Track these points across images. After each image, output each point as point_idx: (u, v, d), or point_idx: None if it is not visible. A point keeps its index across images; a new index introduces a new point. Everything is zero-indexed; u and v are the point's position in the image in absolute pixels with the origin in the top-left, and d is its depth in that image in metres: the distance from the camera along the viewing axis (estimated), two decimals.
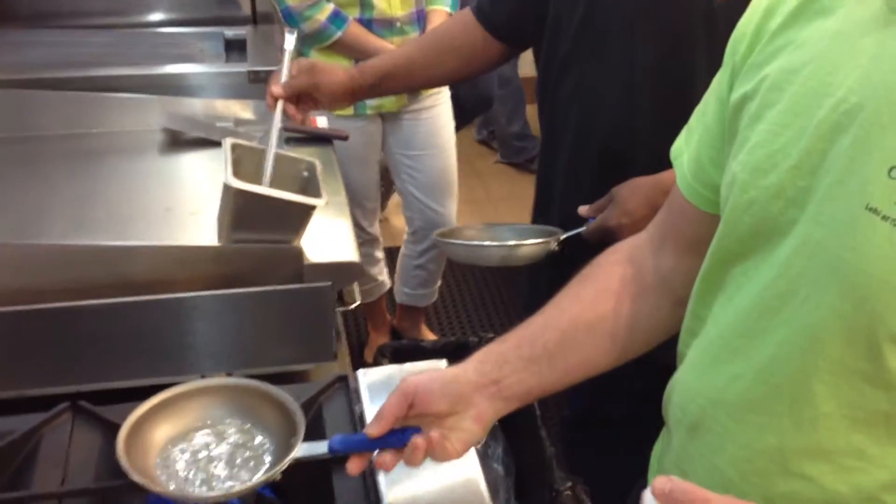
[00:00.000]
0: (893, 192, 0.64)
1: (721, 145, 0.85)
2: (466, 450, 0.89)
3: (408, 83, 1.70)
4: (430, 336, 2.84)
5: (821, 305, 0.69)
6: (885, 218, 0.64)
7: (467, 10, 1.56)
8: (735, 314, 0.79)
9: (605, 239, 1.41)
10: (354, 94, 1.55)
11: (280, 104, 1.37)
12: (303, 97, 1.46)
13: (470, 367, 0.91)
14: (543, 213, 1.63)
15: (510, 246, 1.50)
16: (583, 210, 1.45)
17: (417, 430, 0.88)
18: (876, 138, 0.65)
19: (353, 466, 0.87)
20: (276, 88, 1.39)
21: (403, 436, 0.88)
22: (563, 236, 1.47)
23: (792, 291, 0.72)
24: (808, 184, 0.70)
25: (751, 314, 0.77)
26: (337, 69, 1.52)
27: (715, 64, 0.89)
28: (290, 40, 1.41)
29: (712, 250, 0.83)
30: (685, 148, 0.92)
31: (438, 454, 0.87)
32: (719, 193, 0.85)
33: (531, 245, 1.48)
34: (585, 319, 0.94)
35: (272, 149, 1.20)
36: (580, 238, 1.45)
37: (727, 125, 0.83)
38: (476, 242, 1.54)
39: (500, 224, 1.70)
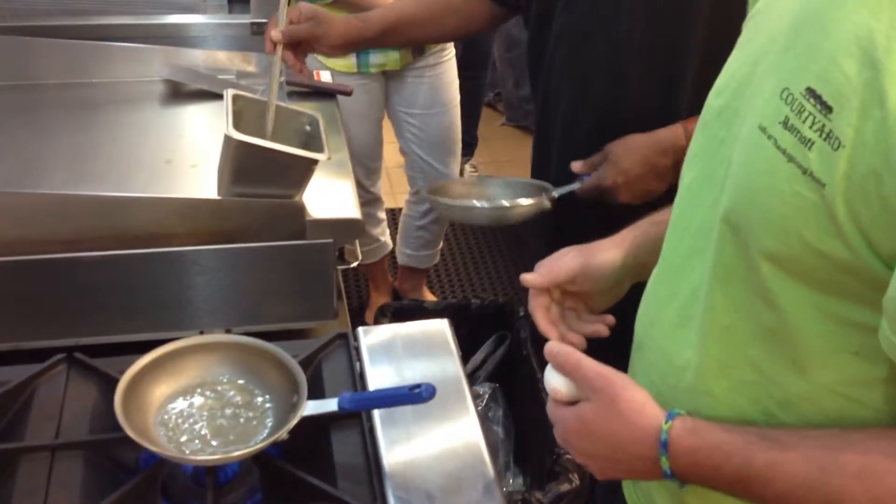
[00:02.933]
0: (779, 113, 0.66)
1: None
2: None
3: (409, 38, 1.70)
4: (431, 298, 2.83)
5: (718, 214, 0.73)
6: (769, 137, 0.67)
7: None
8: (681, 233, 0.82)
9: (599, 198, 1.40)
10: (355, 45, 1.53)
11: (279, 50, 1.34)
12: (301, 44, 1.43)
13: (625, 252, 0.95)
14: (541, 176, 1.62)
15: (502, 206, 1.47)
16: (576, 166, 1.43)
17: (431, 386, 0.88)
18: (779, 60, 0.69)
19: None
20: (274, 34, 1.35)
21: (416, 393, 0.87)
22: (556, 193, 1.45)
23: (708, 204, 0.76)
24: (738, 105, 0.74)
25: (694, 234, 0.79)
26: (337, 20, 1.49)
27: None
28: None
29: (685, 161, 0.86)
30: None
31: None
32: None
33: (523, 205, 1.46)
34: None
35: (273, 96, 1.18)
36: (573, 195, 1.43)
37: None
38: (468, 203, 1.51)
39: (493, 178, 1.68)
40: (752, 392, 0.74)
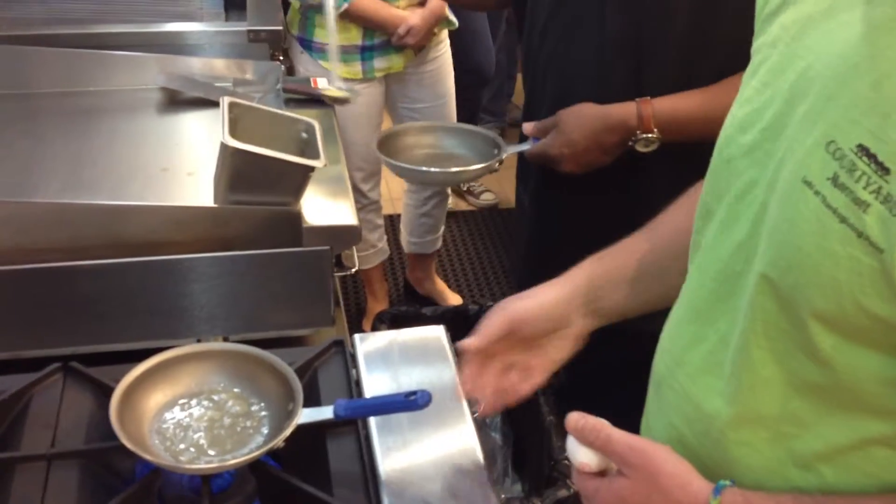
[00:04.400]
0: (827, 168, 0.62)
1: None
2: (557, 367, 0.94)
3: None
4: (442, 285, 2.86)
5: (759, 270, 0.69)
6: (816, 193, 0.63)
7: None
8: (705, 275, 0.79)
9: (545, 164, 1.41)
10: None
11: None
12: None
13: (568, 289, 0.93)
14: (524, 178, 1.64)
15: (453, 172, 1.50)
16: (527, 128, 1.45)
17: (427, 393, 0.88)
18: (821, 110, 0.64)
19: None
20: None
21: (412, 400, 0.87)
22: (505, 154, 1.46)
23: (744, 256, 0.72)
24: (773, 147, 0.69)
25: (717, 276, 0.76)
26: None
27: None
28: None
29: (698, 205, 0.83)
30: None
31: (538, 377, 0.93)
32: None
33: (473, 170, 1.48)
34: (680, 244, 0.92)
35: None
36: (523, 155, 1.46)
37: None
38: (420, 168, 1.52)
39: (441, 126, 1.68)
40: (793, 444, 0.71)
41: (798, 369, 0.68)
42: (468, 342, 0.91)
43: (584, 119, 1.38)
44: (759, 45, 0.77)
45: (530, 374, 0.96)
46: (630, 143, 1.37)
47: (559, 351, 0.95)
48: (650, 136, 1.35)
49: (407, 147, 1.58)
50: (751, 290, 0.70)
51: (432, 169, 1.52)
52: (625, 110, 1.36)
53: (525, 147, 1.44)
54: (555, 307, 0.92)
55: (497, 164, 1.46)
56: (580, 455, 0.75)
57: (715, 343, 0.76)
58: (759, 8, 0.79)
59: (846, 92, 0.62)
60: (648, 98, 1.36)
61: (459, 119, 2.53)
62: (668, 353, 0.84)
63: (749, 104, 0.74)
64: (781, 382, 0.70)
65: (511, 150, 1.46)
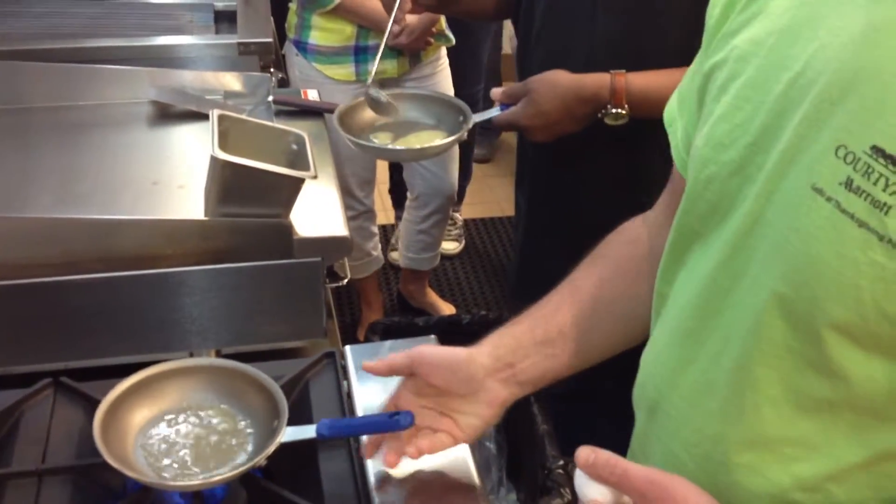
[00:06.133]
0: (838, 173, 0.61)
1: (698, 119, 0.82)
2: (477, 435, 0.90)
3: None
4: (435, 297, 2.85)
5: (765, 287, 0.67)
6: (828, 199, 0.61)
7: None
8: (690, 294, 0.77)
9: (514, 130, 1.40)
10: None
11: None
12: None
13: (484, 351, 0.90)
14: (521, 181, 1.65)
15: (418, 149, 1.47)
16: (495, 94, 1.43)
17: (410, 414, 0.87)
18: (825, 116, 0.63)
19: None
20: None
21: (394, 420, 0.87)
22: (472, 122, 1.43)
23: (742, 271, 0.69)
24: (763, 161, 0.67)
25: (702, 294, 0.74)
26: None
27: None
28: None
29: (674, 227, 0.80)
30: (678, 116, 0.88)
31: (446, 440, 0.88)
32: None
33: (440, 145, 1.45)
34: (601, 301, 0.91)
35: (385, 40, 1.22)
36: (520, 158, 1.47)
37: (699, 95, 0.81)
38: (385, 146, 1.50)
39: (404, 94, 1.61)
40: (800, 467, 0.70)
41: (807, 387, 0.67)
42: (368, 362, 0.90)
43: (557, 89, 1.35)
44: (718, 62, 0.75)
45: (439, 432, 0.91)
46: (599, 116, 1.36)
47: (474, 417, 0.90)
48: (620, 111, 1.34)
49: (369, 121, 1.54)
50: (752, 309, 0.68)
51: (397, 147, 1.48)
52: (599, 82, 1.35)
53: (493, 114, 1.41)
54: (464, 364, 0.88)
55: (465, 135, 1.43)
56: (592, 491, 0.70)
57: (706, 364, 0.75)
58: (713, 27, 0.78)
59: (853, 96, 0.61)
60: (623, 71, 1.34)
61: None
62: (657, 377, 0.82)
63: (726, 121, 0.72)
64: (788, 402, 0.68)
65: (478, 119, 1.42)
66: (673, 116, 0.90)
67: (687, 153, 0.86)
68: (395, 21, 1.45)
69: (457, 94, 2.48)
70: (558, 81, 1.36)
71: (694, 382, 0.76)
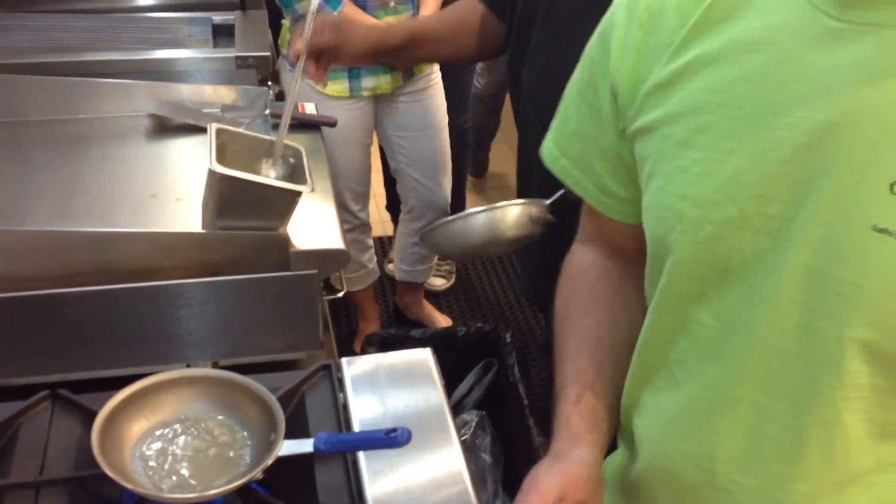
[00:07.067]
0: None
1: (620, 164, 0.81)
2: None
3: (429, 53, 1.72)
4: (431, 308, 2.85)
5: (840, 337, 0.65)
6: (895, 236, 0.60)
7: None
8: (725, 362, 0.73)
9: None
10: (377, 55, 1.54)
11: (301, 61, 1.34)
12: (325, 54, 1.44)
13: (585, 447, 0.82)
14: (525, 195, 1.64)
15: (494, 208, 1.47)
16: None
17: (407, 430, 0.88)
18: (865, 156, 0.61)
19: None
20: (298, 43, 1.37)
21: (392, 437, 0.88)
22: (548, 201, 1.44)
23: (801, 327, 0.67)
24: (778, 211, 0.66)
25: (749, 359, 0.71)
26: (360, 28, 1.51)
27: None
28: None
29: (662, 295, 0.77)
30: (574, 168, 0.87)
31: None
32: (628, 204, 0.83)
33: (514, 210, 1.45)
34: (618, 341, 0.89)
35: (289, 108, 1.16)
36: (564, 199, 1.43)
37: (625, 147, 0.79)
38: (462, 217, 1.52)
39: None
40: (886, 489, 0.70)
41: (889, 417, 0.67)
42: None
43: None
44: (663, 116, 0.73)
45: None
46: None
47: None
48: None
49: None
50: (826, 361, 0.66)
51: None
52: None
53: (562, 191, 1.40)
54: (591, 468, 0.81)
55: (536, 208, 1.44)
56: None
57: (775, 430, 0.71)
58: (628, 86, 0.76)
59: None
60: None
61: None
62: (703, 455, 0.77)
63: (709, 178, 0.69)
64: (871, 436, 0.68)
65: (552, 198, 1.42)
66: (554, 155, 0.89)
67: (601, 192, 0.85)
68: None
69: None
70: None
71: (760, 452, 0.73)
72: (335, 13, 2.13)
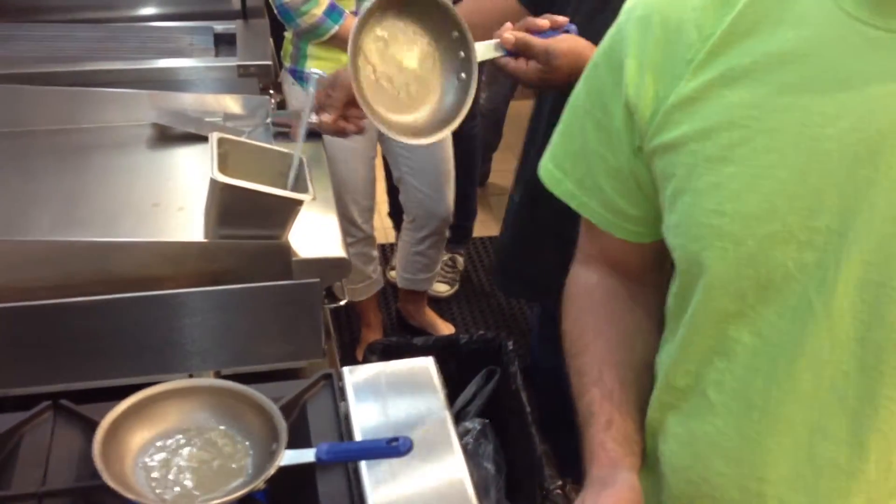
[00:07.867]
0: None
1: (633, 183, 0.80)
2: None
3: None
4: (433, 316, 2.86)
5: None
6: None
7: None
8: (771, 380, 0.71)
9: (515, 80, 1.32)
10: None
11: (301, 133, 1.29)
12: (344, 109, 1.40)
13: (626, 471, 0.81)
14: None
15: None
16: (508, 41, 1.26)
17: (409, 440, 0.88)
18: None
19: None
20: (325, 117, 1.33)
21: (393, 447, 0.88)
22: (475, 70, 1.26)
23: (857, 339, 0.66)
24: (826, 224, 0.65)
25: (799, 376, 0.70)
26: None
27: None
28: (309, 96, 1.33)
29: (695, 315, 0.76)
30: (577, 190, 0.86)
31: None
32: (638, 223, 0.82)
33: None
34: (635, 362, 0.88)
35: (303, 134, 1.18)
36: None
37: (640, 165, 0.78)
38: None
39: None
40: None
41: None
42: None
43: (581, 64, 1.28)
44: (692, 132, 0.71)
45: None
46: None
47: None
48: None
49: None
50: (887, 370, 0.65)
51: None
52: None
53: (498, 54, 1.27)
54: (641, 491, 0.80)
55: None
56: None
57: (833, 448, 0.70)
58: (651, 103, 0.74)
59: None
60: None
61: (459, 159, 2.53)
62: (752, 478, 0.75)
63: (752, 192, 0.68)
64: None
65: (481, 56, 1.24)
66: (556, 179, 0.87)
67: (608, 211, 0.84)
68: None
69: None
70: (583, 55, 1.26)
71: (815, 470, 0.72)
72: (336, 28, 2.12)
